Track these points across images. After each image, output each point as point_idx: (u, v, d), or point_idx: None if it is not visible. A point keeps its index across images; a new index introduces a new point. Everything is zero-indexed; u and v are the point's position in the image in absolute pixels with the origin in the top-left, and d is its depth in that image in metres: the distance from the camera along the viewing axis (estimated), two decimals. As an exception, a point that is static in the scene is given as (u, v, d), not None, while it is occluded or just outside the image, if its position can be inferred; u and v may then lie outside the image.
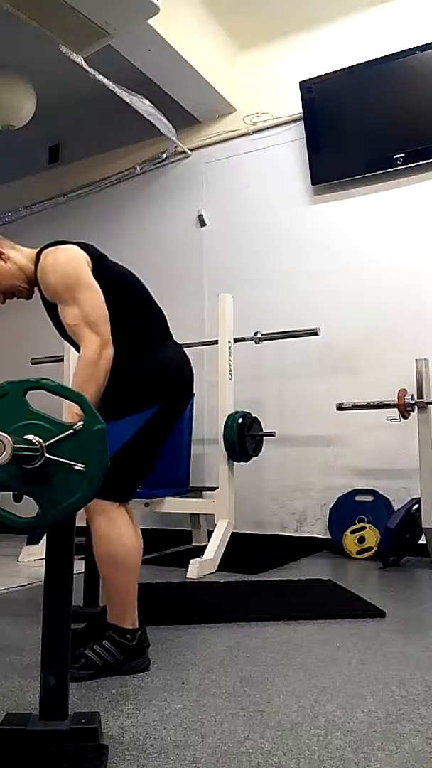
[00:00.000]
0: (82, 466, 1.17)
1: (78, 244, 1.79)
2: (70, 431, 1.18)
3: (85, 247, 1.79)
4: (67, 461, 1.17)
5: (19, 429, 1.18)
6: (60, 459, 1.17)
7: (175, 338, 1.95)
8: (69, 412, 1.54)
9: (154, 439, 1.76)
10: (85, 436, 1.18)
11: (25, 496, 1.23)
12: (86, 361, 1.60)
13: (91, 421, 1.19)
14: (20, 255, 1.85)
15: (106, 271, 1.78)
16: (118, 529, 1.63)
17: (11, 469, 1.17)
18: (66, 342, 1.87)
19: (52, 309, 1.76)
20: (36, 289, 1.82)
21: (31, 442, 1.16)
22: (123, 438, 1.65)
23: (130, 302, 1.81)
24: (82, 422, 1.19)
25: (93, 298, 1.66)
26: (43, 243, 1.86)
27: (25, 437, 1.17)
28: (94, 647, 1.61)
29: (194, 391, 1.93)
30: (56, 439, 1.18)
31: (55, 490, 1.19)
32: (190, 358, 1.92)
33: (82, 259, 1.73)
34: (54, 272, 1.70)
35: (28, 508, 1.22)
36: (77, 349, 1.74)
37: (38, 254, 1.79)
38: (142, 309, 1.86)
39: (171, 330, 1.94)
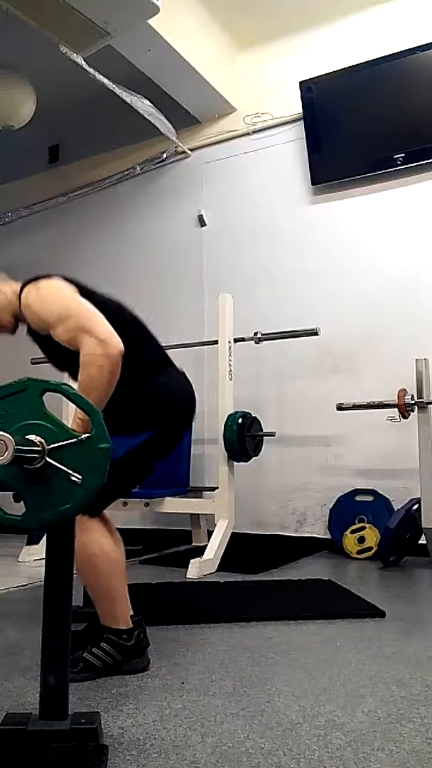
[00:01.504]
0: (79, 477, 1.17)
1: (63, 277, 1.74)
2: (75, 440, 1.18)
3: (69, 280, 1.73)
4: (66, 470, 1.17)
5: (28, 426, 1.19)
6: (59, 466, 1.17)
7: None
8: (74, 418, 1.53)
9: (143, 463, 1.77)
10: (89, 450, 1.18)
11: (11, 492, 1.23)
12: (85, 365, 1.53)
13: (98, 437, 1.19)
14: (9, 289, 1.79)
15: (96, 301, 1.69)
16: (92, 536, 1.62)
17: (11, 468, 1.17)
18: (67, 373, 1.83)
19: (43, 342, 1.71)
20: (26, 326, 1.76)
21: (33, 444, 1.17)
22: (112, 456, 1.64)
23: (124, 331, 1.69)
24: (88, 434, 1.19)
25: (78, 305, 1.61)
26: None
27: (28, 438, 1.17)
28: (92, 650, 1.61)
29: (195, 416, 1.90)
30: (59, 444, 1.18)
31: (48, 495, 1.19)
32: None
33: (66, 285, 1.69)
34: (38, 303, 1.65)
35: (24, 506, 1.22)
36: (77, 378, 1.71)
37: (21, 289, 1.72)
38: (138, 336, 1.82)
39: (170, 359, 1.93)
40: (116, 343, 1.54)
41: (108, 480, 1.65)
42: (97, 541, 1.63)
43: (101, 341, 1.53)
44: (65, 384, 1.24)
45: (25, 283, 1.73)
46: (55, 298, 1.64)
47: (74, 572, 1.29)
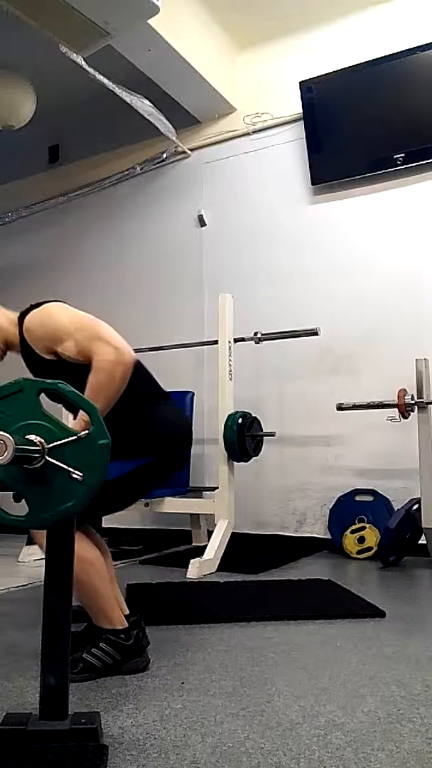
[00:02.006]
0: (80, 475, 1.17)
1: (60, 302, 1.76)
2: (74, 438, 1.18)
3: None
4: (66, 467, 1.17)
5: (26, 427, 1.19)
6: (59, 464, 1.17)
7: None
8: (78, 419, 1.53)
9: (135, 488, 1.78)
10: (89, 447, 1.18)
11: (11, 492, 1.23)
12: (97, 370, 1.54)
13: (97, 433, 1.19)
14: (2, 316, 1.78)
15: None
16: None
17: (11, 468, 1.17)
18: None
19: (46, 369, 1.69)
20: (22, 357, 1.76)
21: (33, 443, 1.17)
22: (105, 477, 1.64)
23: None
24: (87, 431, 1.19)
25: (88, 318, 1.64)
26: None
27: (28, 438, 1.17)
28: (91, 650, 1.61)
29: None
30: (59, 443, 1.18)
31: (50, 494, 1.19)
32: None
33: (63, 305, 1.71)
34: (42, 327, 1.66)
35: (25, 507, 1.22)
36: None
37: (20, 319, 1.73)
38: (137, 369, 1.78)
39: (166, 392, 1.94)
40: (130, 351, 1.58)
41: (98, 498, 1.64)
42: (75, 548, 1.62)
43: (116, 348, 1.56)
44: (60, 382, 1.24)
45: (26, 311, 1.73)
46: (64, 314, 1.66)
47: (73, 573, 1.28)
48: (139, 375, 1.84)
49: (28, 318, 1.71)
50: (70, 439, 1.18)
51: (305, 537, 3.67)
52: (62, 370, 1.60)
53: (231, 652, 1.81)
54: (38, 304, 1.73)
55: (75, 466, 1.17)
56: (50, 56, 3.28)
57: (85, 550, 1.64)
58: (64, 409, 3.16)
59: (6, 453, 1.08)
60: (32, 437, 1.18)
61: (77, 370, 1.59)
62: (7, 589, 2.68)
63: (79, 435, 1.18)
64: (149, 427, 1.79)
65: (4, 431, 1.11)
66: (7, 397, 1.21)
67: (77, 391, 1.25)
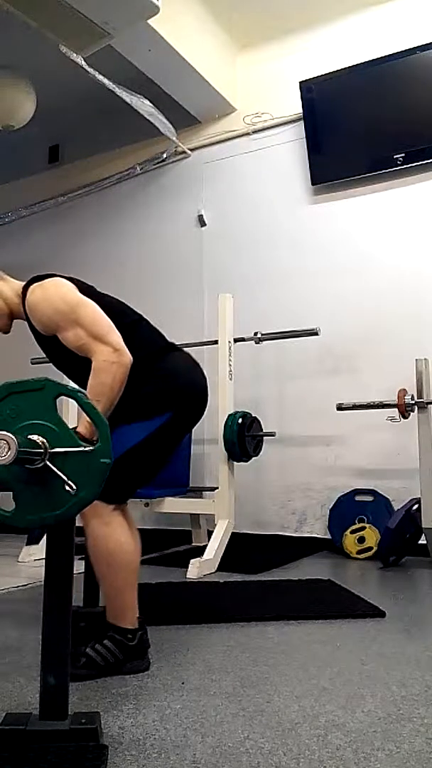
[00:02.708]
0: (74, 488, 1.17)
1: (64, 277, 1.75)
2: (79, 449, 1.18)
3: (69, 278, 1.75)
4: (63, 476, 1.17)
5: (36, 426, 1.19)
6: (57, 471, 1.17)
7: (174, 339, 1.94)
8: (82, 420, 1.53)
9: (161, 449, 1.76)
10: (90, 462, 1.18)
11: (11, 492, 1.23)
12: (98, 371, 1.55)
13: (102, 451, 1.19)
14: (7, 287, 1.80)
15: (96, 299, 1.72)
16: (112, 530, 1.63)
17: (13, 468, 1.17)
18: (64, 374, 1.84)
19: (46, 342, 1.73)
20: (27, 324, 1.77)
21: (36, 444, 1.17)
22: (129, 443, 1.65)
23: (126, 324, 1.75)
24: (92, 447, 1.19)
25: (92, 312, 1.63)
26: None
27: (31, 438, 1.17)
28: (95, 646, 1.61)
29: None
30: (62, 450, 1.18)
31: (40, 497, 1.19)
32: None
33: (70, 285, 1.71)
34: (47, 304, 1.66)
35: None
36: (77, 380, 1.72)
37: (24, 289, 1.74)
38: (140, 328, 1.84)
39: (174, 342, 1.92)
40: (127, 352, 1.59)
41: (130, 467, 1.66)
42: (118, 537, 1.63)
43: (116, 350, 1.57)
44: (81, 392, 1.25)
45: (29, 283, 1.74)
46: (64, 302, 1.65)
47: (73, 573, 1.28)
48: (145, 331, 1.85)
49: (29, 294, 1.71)
50: (75, 449, 1.18)
51: (305, 537, 3.67)
52: (62, 347, 1.65)
53: (231, 652, 1.81)
54: (39, 278, 1.73)
55: (71, 478, 1.17)
56: (50, 56, 3.28)
57: (131, 545, 1.65)
58: (64, 407, 3.17)
59: (9, 453, 1.08)
60: (36, 438, 1.18)
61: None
62: (7, 589, 2.68)
63: (84, 448, 1.18)
64: (163, 380, 1.76)
65: (13, 426, 1.12)
66: (27, 392, 1.22)
67: (93, 404, 1.25)
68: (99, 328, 1.60)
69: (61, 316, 1.64)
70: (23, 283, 1.77)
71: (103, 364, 1.55)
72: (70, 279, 1.74)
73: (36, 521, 1.21)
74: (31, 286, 1.71)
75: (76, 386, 1.51)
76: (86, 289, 1.74)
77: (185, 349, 1.93)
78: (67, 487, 1.16)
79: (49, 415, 1.21)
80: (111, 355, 1.56)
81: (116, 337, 1.60)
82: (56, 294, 1.67)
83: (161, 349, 1.84)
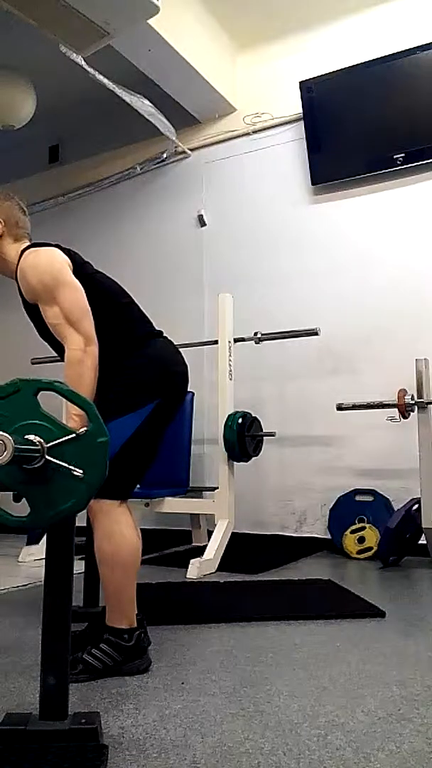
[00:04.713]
0: (81, 472, 1.17)
1: (61, 248, 1.78)
2: (73, 436, 1.18)
3: (67, 251, 1.78)
4: (67, 465, 1.17)
5: (25, 427, 1.19)
6: (59, 462, 1.17)
7: (174, 339, 1.95)
8: (68, 414, 1.54)
9: (153, 436, 1.77)
10: (88, 444, 1.18)
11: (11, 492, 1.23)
12: (72, 361, 1.62)
13: (96, 431, 1.19)
14: (13, 247, 1.83)
15: (88, 276, 1.77)
16: (120, 528, 1.63)
17: (11, 468, 1.17)
18: (46, 343, 1.86)
19: (31, 309, 1.76)
20: (17, 289, 1.80)
21: (32, 443, 1.17)
22: (124, 436, 1.66)
23: (114, 306, 1.80)
24: (85, 428, 1.19)
25: (73, 296, 1.66)
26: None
27: (27, 437, 1.17)
28: (91, 651, 1.61)
29: (192, 390, 1.93)
30: (58, 442, 1.18)
31: (52, 493, 1.19)
32: (189, 358, 1.92)
33: (63, 260, 1.73)
34: (34, 273, 1.69)
35: (26, 507, 1.22)
36: (56, 350, 1.77)
37: (22, 252, 1.78)
38: (127, 311, 1.86)
39: (160, 329, 1.94)
40: (96, 341, 1.65)
41: (129, 460, 1.67)
42: (123, 535, 1.64)
43: (87, 339, 1.63)
44: (57, 381, 1.24)
45: (27, 247, 1.78)
46: (50, 275, 1.68)
47: (73, 573, 1.28)
48: (136, 314, 1.88)
49: (23, 257, 1.74)
50: (69, 437, 1.18)
51: (305, 537, 3.67)
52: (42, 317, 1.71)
53: (231, 652, 1.81)
54: (40, 244, 1.76)
55: (75, 465, 1.17)
56: (50, 56, 3.28)
57: (135, 544, 1.65)
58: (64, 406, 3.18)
59: (5, 453, 1.08)
60: (31, 437, 1.18)
61: None
62: (7, 589, 2.68)
63: (77, 433, 1.18)
64: (146, 368, 1.77)
65: (3, 431, 1.11)
66: (5, 398, 1.21)
67: (74, 390, 1.26)
68: (76, 314, 1.64)
69: (43, 288, 1.67)
70: (25, 245, 1.81)
71: (76, 353, 1.62)
72: (68, 252, 1.77)
73: (54, 517, 1.20)
74: (27, 251, 1.75)
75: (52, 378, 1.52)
76: (81, 265, 1.78)
77: (185, 349, 1.94)
78: (75, 473, 1.16)
79: (35, 412, 1.20)
80: (81, 344, 1.62)
81: (88, 324, 1.65)
82: (46, 265, 1.70)
83: (149, 333, 1.86)
